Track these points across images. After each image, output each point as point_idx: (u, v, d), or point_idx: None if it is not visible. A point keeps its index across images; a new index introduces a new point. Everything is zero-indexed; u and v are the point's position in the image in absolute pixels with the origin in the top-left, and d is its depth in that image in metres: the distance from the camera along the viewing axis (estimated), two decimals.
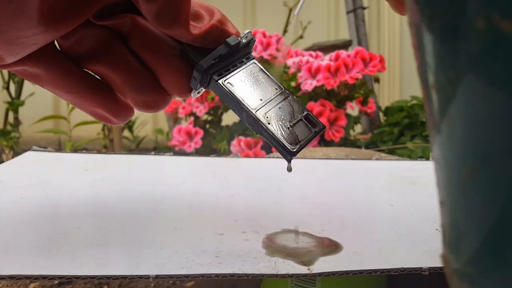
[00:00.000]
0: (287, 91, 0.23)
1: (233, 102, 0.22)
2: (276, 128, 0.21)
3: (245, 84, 0.22)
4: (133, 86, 0.21)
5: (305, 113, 0.22)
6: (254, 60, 0.23)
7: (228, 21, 0.22)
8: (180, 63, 0.21)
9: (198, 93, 0.22)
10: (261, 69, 0.23)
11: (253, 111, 0.21)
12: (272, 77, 0.23)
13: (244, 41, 0.22)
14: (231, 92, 0.22)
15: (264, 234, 0.24)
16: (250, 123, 0.22)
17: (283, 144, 0.21)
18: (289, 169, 0.22)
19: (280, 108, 0.22)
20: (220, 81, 0.22)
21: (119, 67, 0.21)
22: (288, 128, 0.22)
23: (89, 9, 0.19)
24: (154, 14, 0.18)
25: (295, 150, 0.21)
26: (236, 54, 0.22)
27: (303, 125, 0.22)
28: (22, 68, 0.20)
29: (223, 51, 0.21)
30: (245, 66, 0.23)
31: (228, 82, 0.22)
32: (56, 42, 0.21)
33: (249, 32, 0.22)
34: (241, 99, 0.22)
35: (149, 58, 0.21)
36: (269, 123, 0.21)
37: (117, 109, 0.22)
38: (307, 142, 0.21)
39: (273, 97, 0.22)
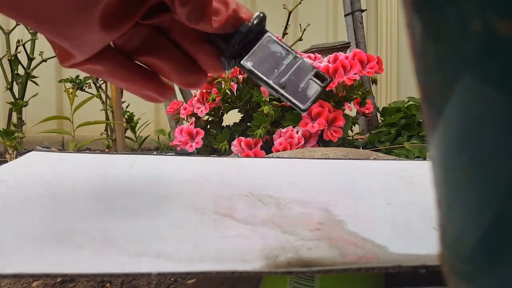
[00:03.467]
0: (297, 55, 0.27)
1: (255, 77, 0.26)
2: (291, 91, 0.26)
3: (262, 59, 0.27)
4: (178, 71, 0.26)
5: (314, 71, 0.26)
6: (268, 34, 0.27)
7: (241, 8, 0.26)
8: (212, 48, 0.26)
9: (229, 70, 0.28)
10: (274, 40, 0.27)
11: (271, 82, 0.26)
12: (284, 45, 0.27)
13: (255, 22, 0.26)
14: (251, 69, 0.26)
15: (264, 232, 0.24)
16: (271, 91, 0.26)
17: (297, 104, 0.26)
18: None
19: (292, 72, 0.26)
20: (242, 62, 0.26)
21: (165, 57, 0.26)
22: (299, 89, 0.26)
23: (136, 15, 0.24)
24: (186, 15, 0.23)
25: (306, 107, 0.26)
26: (251, 34, 0.26)
27: (313, 83, 0.26)
28: (87, 66, 0.25)
29: (239, 38, 0.26)
30: (260, 42, 0.27)
31: (249, 61, 0.26)
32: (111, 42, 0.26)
33: (257, 14, 0.26)
34: (260, 74, 0.26)
35: (189, 47, 0.26)
36: (284, 89, 0.26)
37: (162, 90, 0.28)
38: (318, 96, 0.26)
39: (286, 63, 0.26)
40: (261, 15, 0.26)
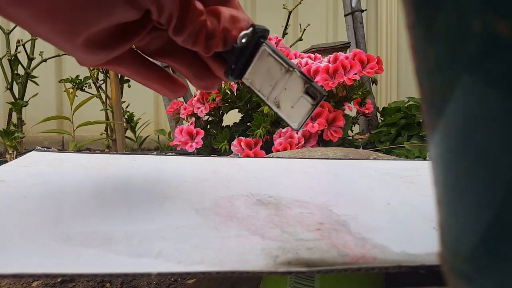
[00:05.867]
0: (290, 68, 0.26)
1: (254, 92, 0.27)
2: (283, 109, 0.26)
3: (258, 75, 0.26)
4: (193, 74, 0.28)
5: (306, 87, 0.26)
6: (263, 47, 0.26)
7: (234, 23, 0.26)
8: (219, 61, 0.27)
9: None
10: (269, 53, 0.26)
11: (266, 100, 0.27)
12: (278, 58, 0.26)
13: (243, 41, 0.25)
14: (250, 86, 0.27)
15: (264, 232, 0.24)
16: (268, 106, 0.27)
17: (289, 124, 0.26)
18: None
19: (286, 89, 0.26)
20: (243, 79, 0.27)
21: (181, 61, 0.27)
22: (292, 107, 0.26)
23: (133, 39, 0.24)
24: (181, 42, 0.25)
25: (298, 127, 0.26)
26: (247, 50, 0.26)
27: (304, 101, 0.26)
28: (105, 66, 0.27)
29: (232, 59, 0.26)
30: (256, 57, 0.26)
31: (247, 78, 0.27)
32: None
33: (245, 33, 0.26)
34: (256, 90, 0.27)
35: (201, 55, 0.27)
36: (278, 107, 0.26)
37: (176, 89, 0.30)
38: (309, 115, 0.26)
39: (280, 78, 0.26)
40: (250, 30, 0.26)
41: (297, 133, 0.75)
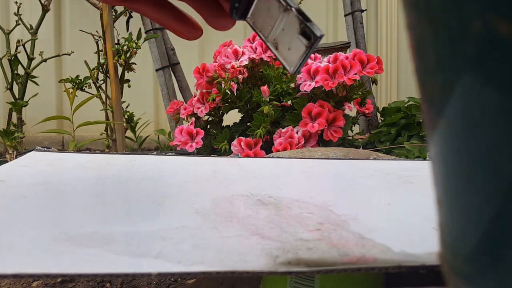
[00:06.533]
0: (288, 7, 0.25)
1: (256, 33, 0.27)
2: (281, 51, 0.25)
3: (260, 14, 0.26)
4: (207, 14, 0.29)
5: (301, 27, 0.24)
6: None
7: None
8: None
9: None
10: None
11: (266, 40, 0.26)
12: None
13: None
14: (252, 25, 0.26)
15: (264, 232, 0.24)
16: (268, 48, 0.26)
17: (285, 66, 0.25)
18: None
19: (283, 29, 0.25)
20: (246, 19, 0.26)
21: (195, 1, 0.28)
22: (289, 49, 0.25)
23: None
24: None
25: (293, 71, 0.25)
26: None
27: (300, 42, 0.24)
28: (124, 4, 0.28)
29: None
30: None
31: (249, 17, 0.26)
32: None
33: None
34: (258, 32, 0.26)
35: None
36: (276, 48, 0.26)
37: (192, 30, 0.30)
38: (304, 59, 0.25)
39: (279, 17, 0.25)
40: None
41: (297, 133, 0.75)
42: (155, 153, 0.46)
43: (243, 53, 0.85)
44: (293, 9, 0.24)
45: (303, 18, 0.24)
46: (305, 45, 0.24)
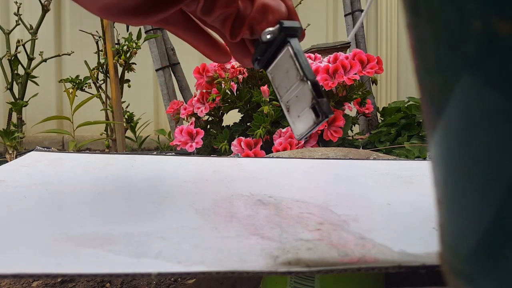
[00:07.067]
0: (304, 78, 0.26)
1: (273, 86, 0.28)
2: (291, 115, 0.26)
3: (279, 73, 0.27)
4: (235, 54, 0.30)
5: (312, 103, 0.25)
6: (288, 48, 0.26)
7: (264, 16, 0.26)
8: (247, 45, 0.29)
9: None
10: (291, 55, 0.26)
11: (280, 98, 0.27)
12: (297, 63, 0.26)
13: (268, 37, 0.26)
14: (271, 79, 0.28)
15: (264, 232, 0.24)
16: (281, 106, 0.27)
17: (292, 129, 0.27)
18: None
19: (297, 96, 0.26)
20: (267, 71, 0.28)
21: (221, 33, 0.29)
22: (298, 116, 0.26)
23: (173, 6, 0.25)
24: (209, 22, 0.27)
25: (298, 138, 0.26)
26: (272, 46, 0.26)
27: (309, 115, 0.25)
28: (159, 25, 0.28)
29: (259, 51, 0.27)
30: (280, 55, 0.27)
31: (270, 73, 0.28)
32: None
33: (269, 30, 0.26)
34: (275, 87, 0.27)
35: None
36: (288, 111, 0.27)
37: (221, 56, 0.31)
38: (310, 131, 0.26)
39: (295, 84, 0.26)
40: (276, 27, 0.26)
41: None
42: (155, 153, 0.46)
43: None
44: (308, 82, 0.25)
45: (316, 93, 0.25)
46: (313, 121, 0.25)
